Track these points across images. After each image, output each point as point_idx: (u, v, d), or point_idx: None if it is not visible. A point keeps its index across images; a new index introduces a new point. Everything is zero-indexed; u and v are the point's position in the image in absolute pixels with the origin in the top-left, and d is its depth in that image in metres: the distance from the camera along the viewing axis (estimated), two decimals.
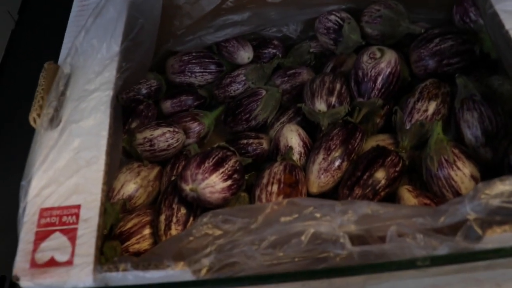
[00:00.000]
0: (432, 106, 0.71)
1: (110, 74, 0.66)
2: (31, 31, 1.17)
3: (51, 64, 0.68)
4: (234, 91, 0.85)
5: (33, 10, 1.21)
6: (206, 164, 0.64)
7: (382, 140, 0.73)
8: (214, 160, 0.65)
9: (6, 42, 1.14)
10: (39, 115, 0.63)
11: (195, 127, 0.81)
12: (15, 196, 0.57)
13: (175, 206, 0.67)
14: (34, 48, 1.14)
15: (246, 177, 0.69)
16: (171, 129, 0.76)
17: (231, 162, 0.66)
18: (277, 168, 0.67)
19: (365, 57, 0.73)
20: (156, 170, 0.77)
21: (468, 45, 0.75)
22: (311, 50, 0.87)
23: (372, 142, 0.73)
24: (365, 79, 0.72)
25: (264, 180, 0.66)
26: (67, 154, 0.60)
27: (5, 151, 0.99)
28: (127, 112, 0.82)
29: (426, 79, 0.75)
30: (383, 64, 0.72)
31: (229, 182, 0.64)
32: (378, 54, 0.73)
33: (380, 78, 0.72)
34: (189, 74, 0.87)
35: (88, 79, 0.66)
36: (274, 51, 0.87)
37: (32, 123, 0.63)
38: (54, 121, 0.63)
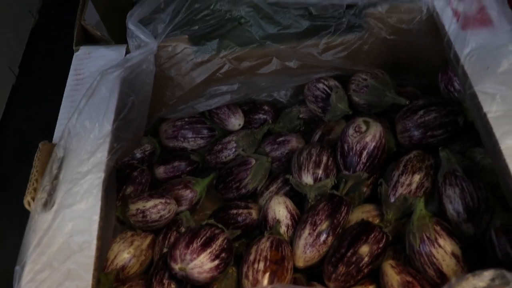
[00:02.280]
0: (415, 180, 0.73)
1: (102, 155, 0.68)
2: (31, 86, 1.20)
3: (45, 144, 0.70)
4: (225, 157, 0.87)
5: (34, 65, 1.24)
6: (195, 244, 0.66)
7: (367, 211, 0.75)
8: (202, 240, 0.67)
9: (7, 98, 1.17)
10: (33, 199, 0.66)
11: (187, 194, 0.83)
12: None
13: (165, 282, 0.69)
14: (34, 102, 1.17)
15: (236, 245, 0.71)
16: (163, 201, 0.78)
17: (219, 241, 0.68)
18: (264, 245, 0.69)
19: (350, 130, 0.75)
20: (149, 238, 0.79)
21: (452, 117, 0.77)
22: (301, 115, 0.89)
23: (358, 213, 0.75)
24: (351, 153, 0.74)
25: (251, 257, 0.68)
26: (60, 238, 0.62)
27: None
28: (121, 178, 0.85)
29: (411, 149, 0.77)
30: (368, 138, 0.74)
31: (216, 262, 0.66)
32: (363, 128, 0.75)
33: (365, 153, 0.74)
34: (182, 139, 0.89)
35: (81, 161, 0.68)
36: (265, 116, 0.89)
37: (26, 206, 0.66)
38: (47, 204, 0.65)
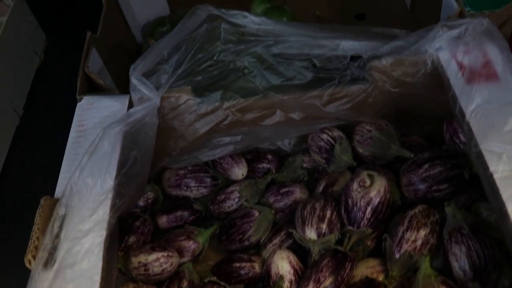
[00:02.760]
0: (421, 236, 0.72)
1: (104, 212, 0.68)
2: (35, 127, 1.20)
3: (47, 200, 0.70)
4: (229, 207, 0.86)
5: (38, 105, 1.24)
6: None
7: (372, 267, 0.74)
8: None
9: (11, 139, 1.16)
10: (34, 257, 0.65)
11: (190, 245, 0.82)
12: None
13: None
14: (38, 147, 1.17)
15: None
16: (166, 254, 0.77)
17: None
18: None
19: (355, 185, 0.74)
20: None
21: (458, 170, 0.76)
22: (304, 165, 0.88)
23: (362, 269, 0.74)
24: (355, 209, 0.73)
25: None
26: None
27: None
28: (123, 228, 0.84)
29: (416, 203, 0.76)
30: (372, 193, 0.73)
31: None
32: (368, 182, 0.74)
33: (369, 208, 0.73)
34: (184, 188, 0.88)
35: (83, 218, 0.67)
36: (268, 166, 0.89)
37: (27, 264, 0.65)
38: (48, 263, 0.64)
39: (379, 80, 0.77)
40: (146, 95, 0.74)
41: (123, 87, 1.02)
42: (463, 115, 0.69)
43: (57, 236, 0.66)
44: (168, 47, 0.78)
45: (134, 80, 0.74)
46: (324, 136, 0.84)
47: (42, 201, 0.70)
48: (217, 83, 0.82)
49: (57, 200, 0.71)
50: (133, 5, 1.21)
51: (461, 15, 0.84)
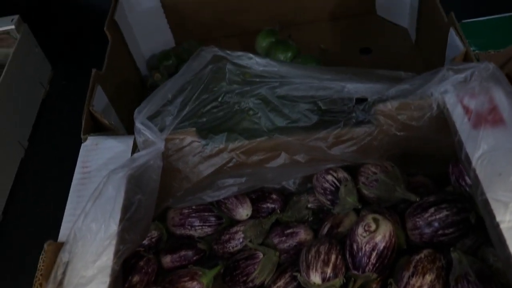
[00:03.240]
0: (426, 282, 0.71)
1: (107, 258, 0.67)
2: (40, 159, 1.20)
3: (51, 245, 0.70)
4: (233, 247, 0.85)
5: (43, 137, 1.24)
6: None
7: None
8: None
9: (15, 171, 1.16)
10: None
11: (193, 286, 0.81)
12: None
13: None
14: (43, 177, 1.17)
15: None
16: None
17: None
18: None
19: (360, 229, 0.74)
20: None
21: (464, 214, 0.75)
22: (309, 205, 0.88)
23: None
24: (360, 253, 0.73)
25: None
26: None
27: None
28: (127, 268, 0.83)
29: (421, 247, 0.75)
30: (377, 238, 0.72)
31: None
32: (373, 226, 0.74)
33: (374, 253, 0.72)
34: (189, 227, 0.88)
35: (86, 264, 0.67)
36: (273, 206, 0.88)
37: None
38: None
39: (385, 124, 0.77)
40: (151, 140, 0.74)
41: (128, 121, 1.03)
42: (469, 161, 0.69)
43: (60, 283, 0.66)
44: (173, 90, 0.78)
45: (138, 125, 0.74)
46: (329, 177, 0.84)
47: (45, 245, 0.69)
48: (222, 124, 0.82)
49: (61, 244, 0.71)
50: (139, 38, 1.21)
51: (466, 55, 0.84)
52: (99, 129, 0.88)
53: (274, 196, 0.89)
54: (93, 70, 0.95)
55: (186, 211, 0.89)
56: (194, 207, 0.88)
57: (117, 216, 0.71)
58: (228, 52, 0.82)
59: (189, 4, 1.24)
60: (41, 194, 1.13)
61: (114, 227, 0.70)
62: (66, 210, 0.76)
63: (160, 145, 0.74)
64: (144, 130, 0.74)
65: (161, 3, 1.22)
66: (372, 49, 1.19)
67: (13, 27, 1.25)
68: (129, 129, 1.01)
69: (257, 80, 0.82)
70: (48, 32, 1.40)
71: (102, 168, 0.78)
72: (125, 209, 0.72)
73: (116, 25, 1.10)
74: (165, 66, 1.19)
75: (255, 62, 0.81)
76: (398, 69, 1.08)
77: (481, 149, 0.69)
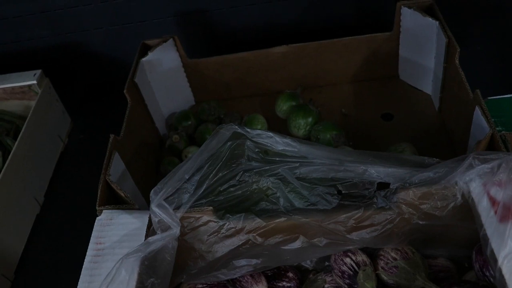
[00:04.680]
0: None
1: None
2: (55, 216, 1.19)
3: None
4: None
5: (59, 195, 1.23)
6: None
7: None
8: None
9: (30, 228, 1.15)
10: None
11: None
12: None
13: None
14: (58, 235, 1.16)
15: None
16: None
17: None
18: None
19: None
20: None
21: None
22: (326, 286, 0.85)
23: None
24: None
25: None
26: None
27: None
28: None
29: None
30: None
31: None
32: None
33: None
34: None
35: None
36: (289, 285, 0.86)
37: None
38: None
39: (407, 213, 0.75)
40: (167, 224, 0.72)
41: (143, 184, 1.02)
42: (495, 259, 0.66)
43: None
44: (191, 171, 0.77)
45: (155, 208, 0.73)
46: (348, 260, 0.81)
47: None
48: (239, 204, 0.80)
49: None
50: (158, 98, 1.21)
51: (492, 138, 0.81)
52: (115, 196, 0.87)
53: (290, 275, 0.87)
54: (111, 136, 0.94)
55: (200, 286, 0.86)
56: (208, 282, 0.86)
57: None
58: (247, 129, 0.81)
59: (210, 64, 1.23)
60: (53, 254, 1.12)
61: None
62: None
63: (176, 230, 0.73)
64: (160, 214, 0.72)
65: (182, 63, 1.21)
66: (394, 115, 1.17)
67: (35, 82, 1.26)
68: (144, 193, 1.00)
69: (277, 159, 0.80)
70: (69, 85, 1.41)
71: (116, 246, 0.77)
72: None
73: (136, 86, 1.10)
74: (184, 127, 1.18)
75: (275, 141, 0.80)
76: (420, 137, 1.07)
77: (508, 247, 0.66)
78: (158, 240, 0.71)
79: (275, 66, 1.23)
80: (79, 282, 0.75)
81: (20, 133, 1.16)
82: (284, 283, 0.86)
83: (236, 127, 0.80)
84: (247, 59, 1.22)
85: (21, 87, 1.30)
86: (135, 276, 0.71)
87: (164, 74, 1.19)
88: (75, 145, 1.34)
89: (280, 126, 1.18)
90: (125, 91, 1.05)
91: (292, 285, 0.86)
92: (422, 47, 1.12)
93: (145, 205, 0.95)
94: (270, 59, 1.22)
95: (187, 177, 0.77)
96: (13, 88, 1.31)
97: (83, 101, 1.44)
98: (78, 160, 1.31)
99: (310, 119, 1.12)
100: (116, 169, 0.91)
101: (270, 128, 1.16)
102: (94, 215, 0.84)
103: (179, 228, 0.74)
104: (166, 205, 0.73)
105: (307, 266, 0.88)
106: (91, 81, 1.49)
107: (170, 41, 1.18)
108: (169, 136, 1.17)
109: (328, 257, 0.85)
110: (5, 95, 1.33)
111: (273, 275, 0.87)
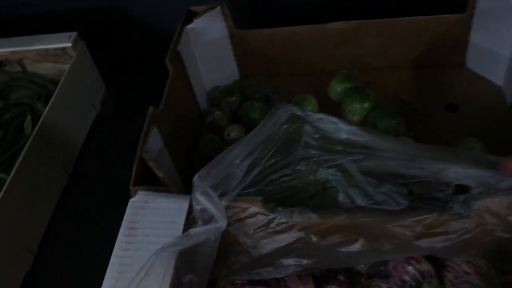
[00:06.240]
0: None
1: None
2: (83, 188, 1.11)
3: None
4: None
5: (87, 166, 1.15)
6: None
7: None
8: None
9: (57, 199, 1.08)
10: None
11: None
12: None
13: None
14: (85, 206, 1.08)
15: None
16: None
17: None
18: None
19: None
20: None
21: None
22: None
23: None
24: None
25: None
26: None
27: None
28: None
29: None
30: None
31: None
32: None
33: None
34: None
35: None
36: None
37: None
38: None
39: (489, 223, 0.64)
40: (211, 213, 0.63)
41: (182, 164, 0.93)
42: None
43: None
44: (242, 155, 0.67)
45: (199, 196, 0.63)
46: (410, 268, 0.71)
47: None
48: (293, 196, 0.71)
49: None
50: (201, 70, 1.11)
51: None
52: (150, 176, 0.78)
53: (341, 278, 0.77)
54: (150, 109, 0.85)
55: (240, 281, 0.77)
56: (249, 279, 0.77)
57: None
58: (308, 112, 0.71)
59: (259, 36, 1.13)
60: (78, 233, 1.04)
61: None
62: (105, 280, 0.66)
63: (222, 224, 0.64)
64: (204, 203, 0.63)
65: (229, 34, 1.11)
66: (459, 106, 1.06)
67: (69, 44, 1.17)
68: (182, 174, 0.92)
69: (339, 148, 0.70)
70: (105, 50, 1.32)
71: (150, 233, 0.68)
72: None
73: (179, 56, 1.01)
74: (228, 103, 1.08)
75: (339, 128, 0.70)
76: (487, 133, 0.96)
77: None
78: (200, 233, 0.62)
79: (330, 43, 1.12)
80: (107, 271, 0.67)
81: (52, 98, 1.08)
82: (334, 286, 0.77)
83: (296, 108, 0.70)
84: (300, 34, 1.12)
85: (55, 49, 1.22)
86: (171, 271, 0.62)
87: (209, 44, 1.09)
88: (108, 115, 1.25)
89: (331, 110, 1.07)
90: (167, 60, 0.96)
91: None
92: (499, 32, 1.00)
93: (183, 188, 0.86)
94: (324, 36, 1.11)
95: (237, 163, 0.67)
96: (46, 50, 1.23)
97: (119, 68, 1.35)
98: (110, 131, 1.22)
99: (367, 105, 1.02)
100: (153, 145, 0.82)
101: (321, 111, 1.06)
102: (124, 192, 0.76)
103: (225, 221, 0.64)
104: (212, 193, 0.64)
105: (359, 269, 0.78)
106: (129, 48, 1.39)
107: (218, 8, 1.08)
108: (211, 111, 1.07)
109: (384, 261, 0.76)
110: (38, 57, 1.25)
111: (322, 276, 0.78)
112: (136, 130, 0.84)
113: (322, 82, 1.13)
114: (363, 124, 1.02)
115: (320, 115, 0.71)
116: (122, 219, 0.72)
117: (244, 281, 0.77)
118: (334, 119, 0.70)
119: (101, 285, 0.66)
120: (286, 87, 1.14)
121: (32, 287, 0.97)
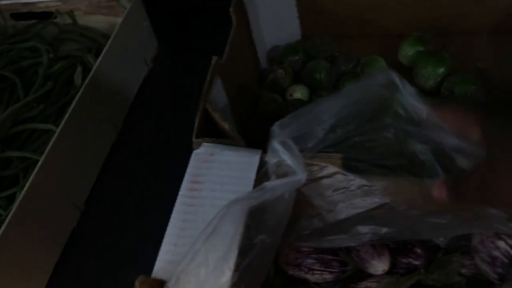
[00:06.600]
0: None
1: None
2: (133, 145, 1.06)
3: (144, 283, 0.54)
4: None
5: (139, 121, 1.10)
6: None
7: None
8: None
9: (108, 152, 1.03)
10: None
11: None
12: None
13: None
14: (134, 164, 1.03)
15: None
16: None
17: None
18: None
19: None
20: None
21: None
22: (463, 271, 0.68)
23: None
24: None
25: None
26: None
27: None
28: None
29: None
30: None
31: None
32: None
33: None
34: (305, 269, 0.70)
35: None
36: (416, 262, 0.70)
37: None
38: None
39: None
40: (289, 165, 0.57)
41: (242, 123, 0.87)
42: None
43: None
44: (330, 112, 0.60)
45: (276, 145, 0.57)
46: (502, 244, 0.64)
47: (137, 283, 0.54)
48: (377, 162, 0.63)
49: (156, 281, 0.55)
50: (263, 26, 1.04)
51: None
52: (212, 131, 0.72)
53: (418, 251, 0.70)
54: (214, 58, 0.78)
55: (306, 249, 0.71)
56: (317, 247, 0.70)
57: (233, 261, 0.54)
58: (406, 83, 0.62)
59: None
60: (127, 190, 0.99)
61: (228, 274, 0.53)
62: (166, 236, 0.60)
63: (302, 176, 0.57)
64: (283, 154, 0.57)
65: None
66: None
67: None
68: (243, 133, 0.85)
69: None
70: (159, 5, 1.25)
71: (217, 188, 0.62)
72: (244, 252, 0.55)
73: (243, 7, 0.94)
74: (291, 62, 1.01)
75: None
76: None
77: None
78: (278, 186, 0.56)
79: (401, 3, 1.04)
80: (168, 227, 0.61)
81: (104, 50, 1.02)
82: (411, 260, 0.70)
83: (395, 76, 0.62)
84: None
85: (108, 0, 1.16)
86: (241, 229, 0.56)
87: None
88: (161, 71, 1.19)
89: (402, 74, 0.99)
90: (231, 9, 0.89)
91: (419, 263, 0.70)
92: None
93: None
94: None
95: (325, 119, 0.60)
96: (99, 1, 1.17)
97: (174, 23, 1.28)
98: (162, 88, 1.16)
99: (442, 70, 0.94)
100: (217, 100, 0.76)
101: None
102: (175, 152, 0.70)
103: (305, 174, 0.58)
104: (292, 144, 0.57)
105: (438, 242, 0.71)
106: (184, 2, 1.33)
107: None
108: (273, 70, 1.00)
109: (466, 235, 0.68)
110: (91, 9, 1.20)
111: (397, 248, 0.71)
112: (189, 88, 0.77)
113: (391, 46, 1.04)
114: (437, 90, 0.94)
115: (414, 91, 0.62)
116: (172, 179, 0.66)
117: (311, 249, 0.71)
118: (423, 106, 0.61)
119: (149, 245, 0.61)
120: (352, 48, 1.06)
121: (77, 245, 0.92)
